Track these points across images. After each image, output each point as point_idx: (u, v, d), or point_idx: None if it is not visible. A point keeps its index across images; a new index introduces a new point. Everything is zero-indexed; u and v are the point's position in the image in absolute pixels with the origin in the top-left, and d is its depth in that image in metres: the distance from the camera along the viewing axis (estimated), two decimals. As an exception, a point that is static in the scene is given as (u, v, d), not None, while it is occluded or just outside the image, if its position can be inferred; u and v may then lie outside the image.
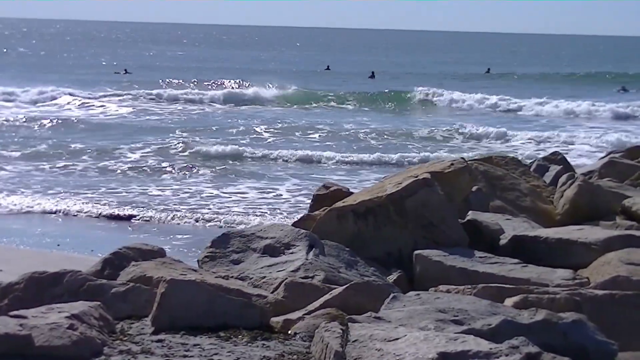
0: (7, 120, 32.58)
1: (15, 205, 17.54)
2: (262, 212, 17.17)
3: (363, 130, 31.36)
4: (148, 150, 25.91)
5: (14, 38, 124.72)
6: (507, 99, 42.19)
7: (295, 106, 41.06)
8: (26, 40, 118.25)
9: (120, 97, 43.01)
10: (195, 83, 50.23)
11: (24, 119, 33.11)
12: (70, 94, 41.83)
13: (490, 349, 4.35)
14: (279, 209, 17.64)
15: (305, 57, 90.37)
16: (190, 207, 17.67)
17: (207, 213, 16.84)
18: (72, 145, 26.36)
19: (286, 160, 24.62)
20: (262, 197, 19.02)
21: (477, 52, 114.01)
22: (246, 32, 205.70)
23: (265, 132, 30.77)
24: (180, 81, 50.55)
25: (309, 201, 10.19)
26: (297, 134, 30.66)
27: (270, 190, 19.65)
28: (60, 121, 33.03)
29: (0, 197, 18.18)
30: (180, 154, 25.28)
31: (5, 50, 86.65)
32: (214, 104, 41.52)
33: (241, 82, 49.66)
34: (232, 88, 47.44)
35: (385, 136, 30.17)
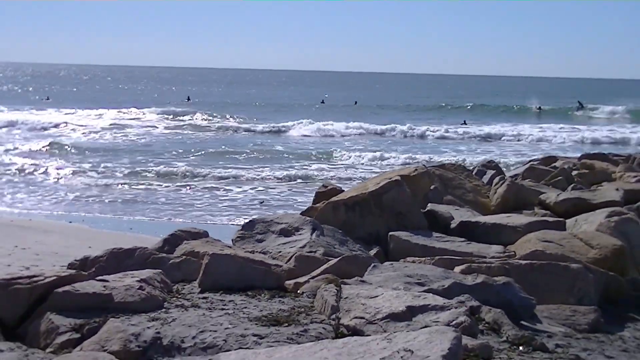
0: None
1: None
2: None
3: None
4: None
5: (119, 79, 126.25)
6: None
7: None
8: (132, 81, 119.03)
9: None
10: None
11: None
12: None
13: (444, 303, 4.35)
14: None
15: (306, 93, 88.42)
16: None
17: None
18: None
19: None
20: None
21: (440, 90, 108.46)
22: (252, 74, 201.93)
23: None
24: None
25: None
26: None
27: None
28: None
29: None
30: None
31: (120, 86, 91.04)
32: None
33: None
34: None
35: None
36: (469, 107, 58.41)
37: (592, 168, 12.01)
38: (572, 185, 10.01)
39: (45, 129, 37.46)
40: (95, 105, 51.62)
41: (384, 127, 39.84)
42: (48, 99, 65.09)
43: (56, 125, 38.80)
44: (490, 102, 65.64)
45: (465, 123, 45.07)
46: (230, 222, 14.77)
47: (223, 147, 30.85)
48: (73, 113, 46.24)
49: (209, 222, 15.08)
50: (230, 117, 46.00)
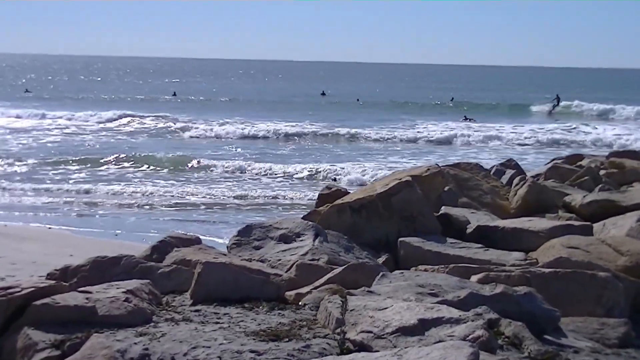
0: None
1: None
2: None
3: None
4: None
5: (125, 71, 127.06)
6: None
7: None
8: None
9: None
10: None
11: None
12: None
13: (460, 315, 4.34)
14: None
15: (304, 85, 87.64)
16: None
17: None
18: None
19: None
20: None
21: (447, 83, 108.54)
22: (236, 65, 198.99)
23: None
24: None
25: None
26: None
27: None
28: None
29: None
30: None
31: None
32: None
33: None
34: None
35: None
36: (466, 108, 57.86)
37: (621, 167, 11.98)
38: (599, 186, 9.99)
39: None
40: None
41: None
42: (27, 90, 65.93)
43: None
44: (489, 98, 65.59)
45: (466, 118, 44.85)
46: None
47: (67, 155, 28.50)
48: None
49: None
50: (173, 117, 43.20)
